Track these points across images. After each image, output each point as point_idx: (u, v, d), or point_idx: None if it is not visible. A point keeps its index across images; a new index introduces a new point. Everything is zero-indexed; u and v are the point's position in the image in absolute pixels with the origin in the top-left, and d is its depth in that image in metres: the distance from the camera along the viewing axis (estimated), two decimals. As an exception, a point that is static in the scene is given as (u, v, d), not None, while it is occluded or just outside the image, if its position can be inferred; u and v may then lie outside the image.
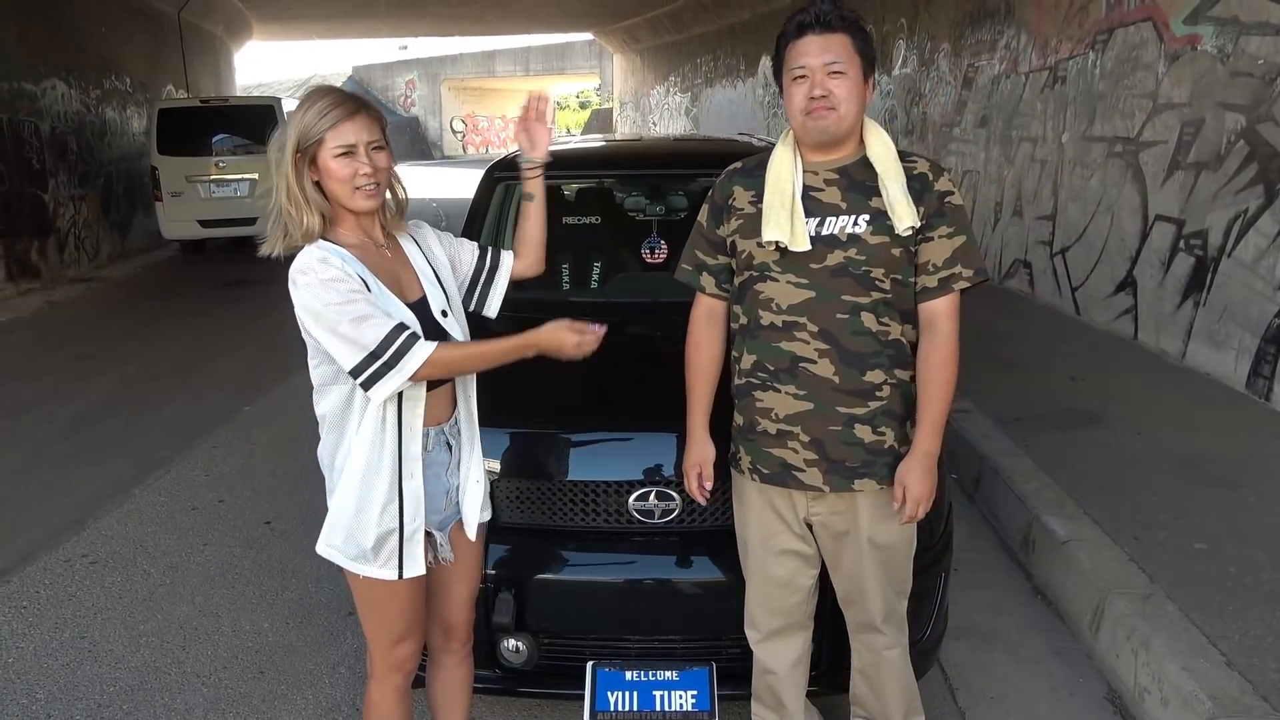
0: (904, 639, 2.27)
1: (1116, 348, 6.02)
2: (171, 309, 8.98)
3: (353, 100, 1.90)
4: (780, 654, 2.27)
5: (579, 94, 45.93)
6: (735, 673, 2.40)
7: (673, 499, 2.36)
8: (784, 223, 1.98)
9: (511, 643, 2.42)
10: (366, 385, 1.82)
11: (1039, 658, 3.03)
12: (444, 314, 1.99)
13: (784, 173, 2.03)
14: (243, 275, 10.50)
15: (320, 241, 1.88)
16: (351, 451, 1.92)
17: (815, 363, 2.02)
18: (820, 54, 1.93)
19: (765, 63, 15.95)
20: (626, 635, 2.44)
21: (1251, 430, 4.43)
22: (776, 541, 2.17)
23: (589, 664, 2.38)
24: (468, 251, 2.19)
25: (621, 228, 3.99)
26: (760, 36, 16.08)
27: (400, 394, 1.88)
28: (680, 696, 2.35)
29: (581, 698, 2.35)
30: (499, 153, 4.33)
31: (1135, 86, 6.18)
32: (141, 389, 6.29)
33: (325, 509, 1.98)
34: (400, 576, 1.96)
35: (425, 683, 2.31)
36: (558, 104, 45.08)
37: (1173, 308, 5.69)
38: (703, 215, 2.22)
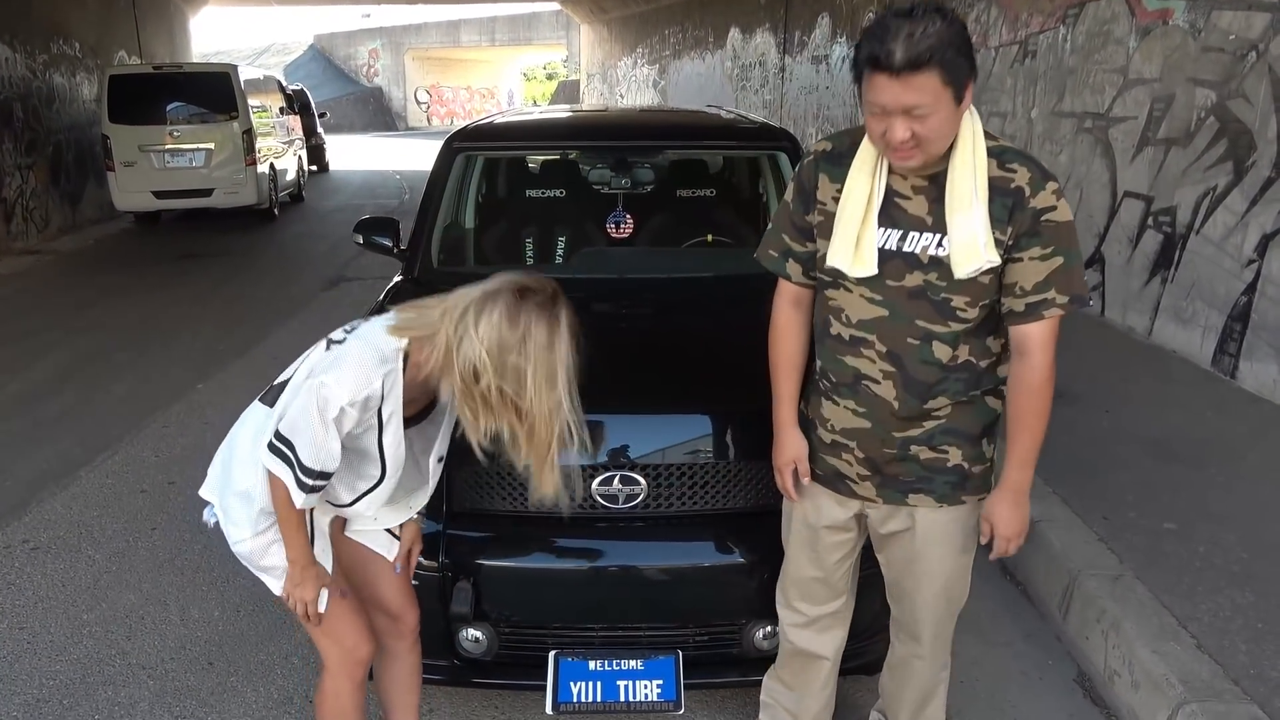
0: (945, 657, 2.18)
1: (1084, 324, 6.01)
2: (124, 283, 8.69)
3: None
4: (821, 642, 2.19)
5: (545, 65, 45.41)
6: (701, 661, 2.34)
7: (638, 483, 2.27)
8: (848, 244, 1.80)
9: (470, 633, 2.34)
10: (269, 448, 1.79)
11: (1008, 640, 2.99)
12: (440, 459, 2.00)
13: (863, 179, 1.80)
14: (198, 248, 10.21)
15: (399, 355, 1.77)
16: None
17: (878, 383, 1.87)
18: (898, 98, 1.63)
19: (734, 35, 15.79)
20: (590, 624, 2.36)
21: (1218, 409, 4.44)
22: (822, 518, 2.06)
23: (551, 654, 2.30)
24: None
25: (588, 201, 3.88)
26: (728, 9, 15.88)
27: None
28: (645, 686, 2.29)
29: (544, 688, 2.28)
30: (463, 124, 4.19)
31: (1106, 62, 6.14)
32: (91, 366, 6.08)
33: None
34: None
35: (374, 674, 2.22)
36: (524, 75, 44.56)
37: (1140, 285, 5.68)
38: (789, 196, 1.99)
